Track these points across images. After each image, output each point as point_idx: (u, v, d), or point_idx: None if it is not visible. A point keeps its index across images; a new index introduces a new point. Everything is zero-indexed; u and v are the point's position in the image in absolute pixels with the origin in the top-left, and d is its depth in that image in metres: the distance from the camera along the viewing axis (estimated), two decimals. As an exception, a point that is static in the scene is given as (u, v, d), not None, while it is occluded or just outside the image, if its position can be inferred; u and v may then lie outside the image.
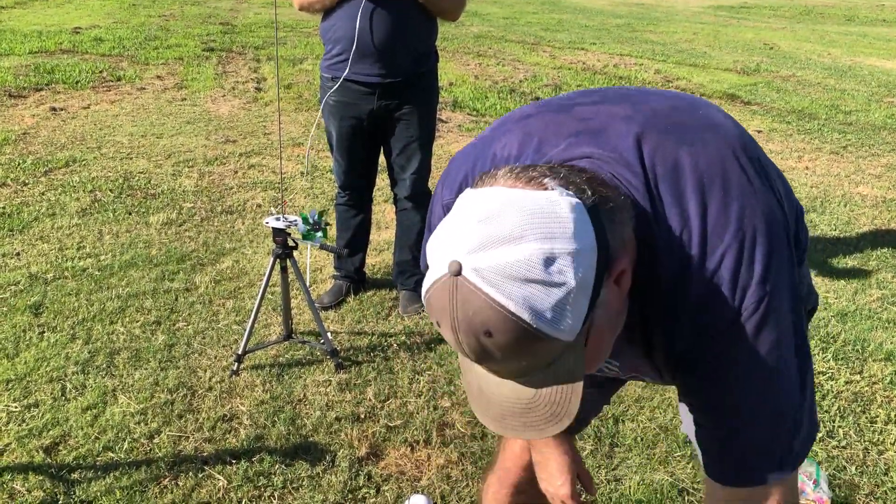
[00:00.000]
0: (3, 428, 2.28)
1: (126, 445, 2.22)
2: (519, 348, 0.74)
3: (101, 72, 7.18)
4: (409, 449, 2.26)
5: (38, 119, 5.61)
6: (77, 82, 6.72)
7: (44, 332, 2.81)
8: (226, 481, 2.10)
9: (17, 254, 3.43)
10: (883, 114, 6.86)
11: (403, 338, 2.86)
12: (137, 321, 2.90)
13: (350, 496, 2.07)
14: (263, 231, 3.74)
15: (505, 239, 0.73)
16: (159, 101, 6.33)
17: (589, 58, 9.38)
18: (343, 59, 2.72)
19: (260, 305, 2.59)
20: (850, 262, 3.68)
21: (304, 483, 2.10)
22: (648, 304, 0.90)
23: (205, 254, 3.50)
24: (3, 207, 3.93)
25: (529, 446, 1.34)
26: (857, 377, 2.71)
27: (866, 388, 2.64)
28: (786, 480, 0.94)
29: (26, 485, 2.05)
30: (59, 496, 2.02)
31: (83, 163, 4.69)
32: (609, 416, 2.41)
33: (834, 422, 2.45)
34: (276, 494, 2.06)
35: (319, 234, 2.48)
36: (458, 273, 0.73)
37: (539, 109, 1.02)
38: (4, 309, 2.95)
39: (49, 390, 2.46)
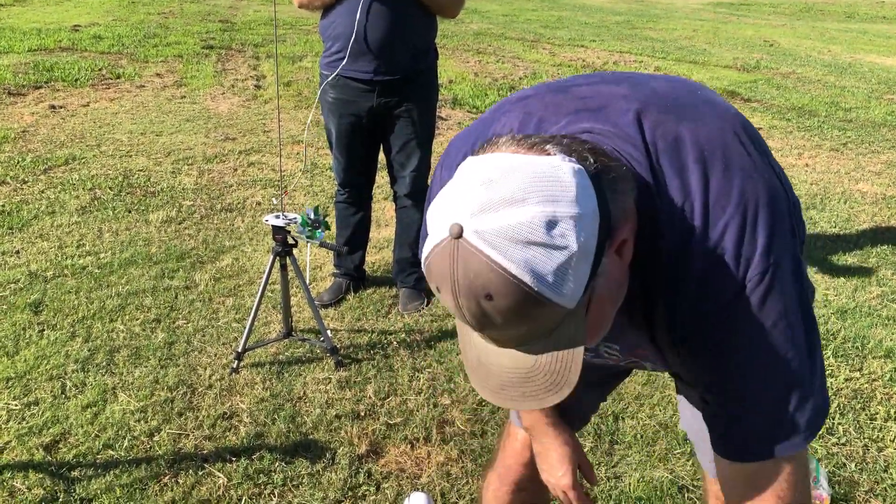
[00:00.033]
0: (3, 426, 2.28)
1: (126, 443, 2.22)
2: (519, 313, 0.73)
3: (100, 69, 7.17)
4: (409, 446, 2.27)
5: (38, 117, 5.60)
6: (76, 80, 6.72)
7: (44, 329, 2.81)
8: (226, 479, 2.10)
9: (17, 252, 3.43)
10: (883, 111, 6.85)
11: (403, 335, 2.87)
12: (137, 319, 2.90)
13: (350, 494, 2.07)
14: (263, 229, 3.74)
15: (507, 201, 0.72)
16: (159, 98, 6.32)
17: (588, 55, 9.37)
18: (342, 56, 2.71)
19: (260, 303, 2.59)
20: (849, 259, 3.68)
21: (304, 480, 2.11)
22: (650, 277, 0.89)
23: (204, 251, 3.50)
24: (3, 205, 3.92)
25: (530, 438, 1.33)
26: (857, 374, 2.71)
27: (866, 386, 2.64)
28: (795, 456, 0.93)
29: (26, 483, 2.06)
30: (59, 494, 2.02)
31: (83, 161, 4.68)
32: (609, 413, 2.41)
33: (834, 419, 2.45)
34: (276, 492, 2.06)
35: (319, 231, 2.48)
36: (460, 236, 0.73)
37: (538, 91, 1.03)
38: (4, 307, 2.95)
39: (49, 388, 2.46)
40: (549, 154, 0.78)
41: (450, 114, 6.20)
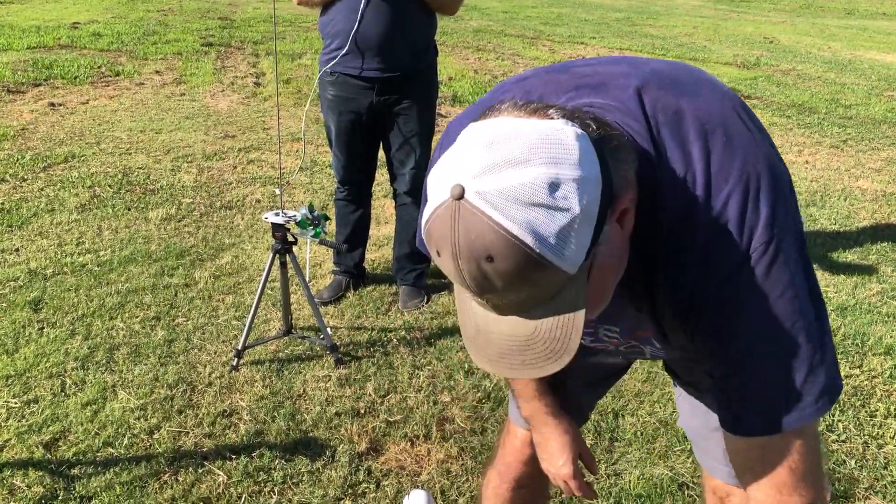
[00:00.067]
0: (3, 424, 2.28)
1: (126, 441, 2.22)
2: (520, 276, 0.72)
3: (99, 67, 7.16)
4: (408, 444, 2.26)
5: (37, 114, 5.60)
6: (76, 77, 6.71)
7: (43, 327, 2.81)
8: (226, 476, 2.10)
9: (17, 249, 3.42)
10: (883, 108, 6.85)
11: (403, 333, 2.86)
12: (137, 317, 2.90)
13: (350, 491, 2.07)
14: (263, 226, 3.74)
15: (509, 163, 0.72)
16: (158, 96, 6.32)
17: (588, 52, 9.36)
18: (342, 53, 2.71)
19: (259, 301, 2.59)
20: (849, 256, 3.68)
21: (303, 478, 2.11)
22: (651, 249, 0.88)
23: (204, 249, 3.49)
24: (2, 203, 3.92)
25: (530, 427, 1.32)
26: (857, 371, 2.71)
27: (866, 383, 2.64)
28: (804, 431, 0.91)
29: (26, 480, 2.06)
30: (58, 492, 2.02)
31: (82, 158, 4.68)
32: (609, 410, 2.41)
33: (833, 416, 2.45)
34: (275, 489, 2.06)
35: (319, 229, 2.48)
36: (461, 197, 0.72)
37: (537, 72, 1.03)
38: (4, 305, 2.95)
39: (49, 386, 2.46)
40: (552, 118, 0.77)
41: (450, 111, 6.19)
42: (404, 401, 2.46)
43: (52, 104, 5.85)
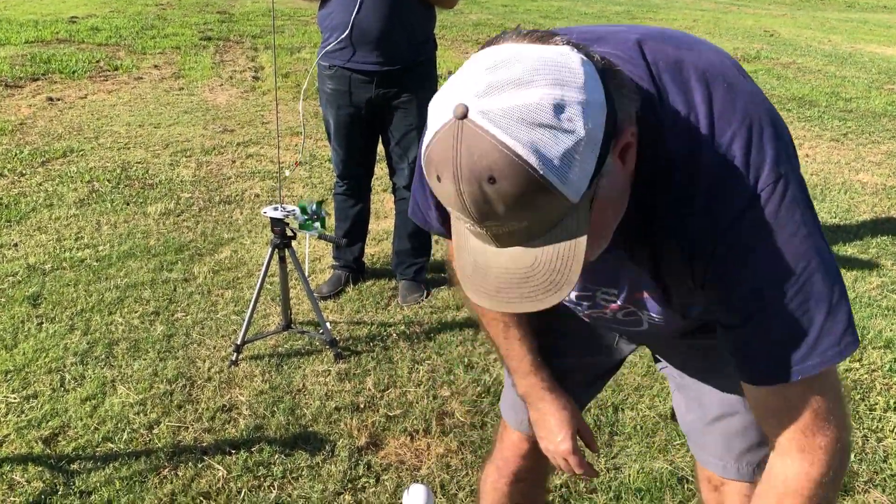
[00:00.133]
0: (3, 419, 2.28)
1: (125, 436, 2.22)
2: (522, 199, 0.71)
3: (97, 61, 7.14)
4: (408, 438, 2.26)
5: (35, 109, 5.59)
6: (74, 72, 6.69)
7: (42, 322, 2.80)
8: (225, 471, 2.10)
9: (15, 244, 3.42)
10: (883, 101, 6.83)
11: (403, 327, 2.86)
12: (136, 312, 2.89)
13: (350, 486, 2.07)
14: (262, 221, 3.73)
15: (514, 83, 0.70)
16: (156, 90, 6.30)
17: (588, 45, 9.33)
18: (340, 47, 2.70)
19: (259, 295, 2.59)
20: (849, 249, 3.67)
21: (303, 473, 2.11)
22: (652, 199, 0.86)
23: (203, 244, 3.49)
24: (1, 198, 3.91)
25: (527, 406, 1.29)
26: (857, 364, 2.70)
27: (865, 376, 2.64)
28: (825, 380, 0.89)
29: (26, 476, 2.05)
30: (58, 487, 2.02)
31: (80, 153, 4.67)
32: (608, 404, 2.41)
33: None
34: (275, 484, 2.06)
35: (318, 223, 2.47)
36: (464, 116, 0.70)
37: None
38: (3, 300, 2.94)
39: (48, 381, 2.46)
40: (556, 44, 0.76)
41: (449, 105, 6.17)
42: (404, 395, 2.46)
43: (51, 99, 5.84)
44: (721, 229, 0.85)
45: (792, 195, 0.84)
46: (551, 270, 0.76)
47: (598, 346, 1.35)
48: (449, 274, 1.46)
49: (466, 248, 0.81)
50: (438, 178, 0.74)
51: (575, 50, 0.75)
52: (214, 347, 2.68)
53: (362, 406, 2.40)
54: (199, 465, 2.12)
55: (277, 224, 2.50)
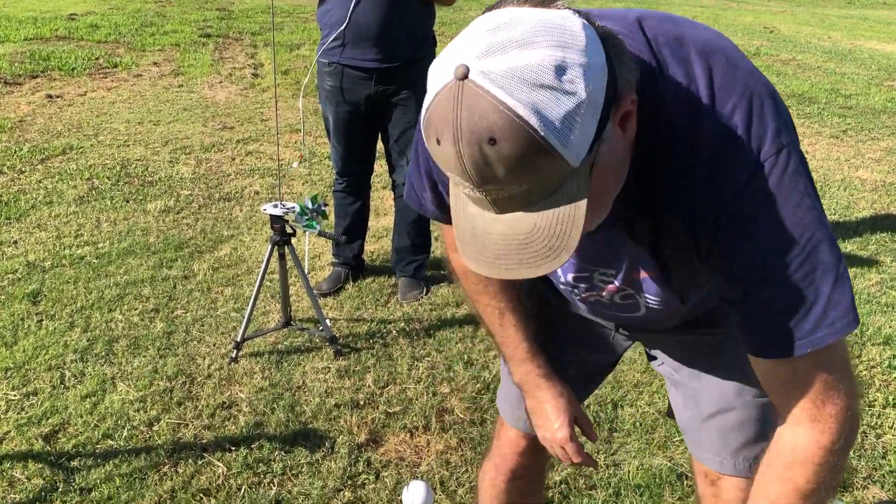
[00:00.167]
0: (3, 416, 2.28)
1: (125, 433, 2.22)
2: (523, 161, 0.70)
3: (97, 59, 7.14)
4: (408, 435, 2.27)
5: (34, 106, 5.58)
6: (73, 69, 6.68)
7: (42, 320, 2.80)
8: (225, 468, 2.10)
9: (15, 242, 3.42)
10: (883, 97, 6.83)
11: (402, 324, 2.86)
12: (136, 309, 2.90)
13: (349, 482, 2.07)
14: (261, 218, 3.73)
15: (516, 43, 0.70)
16: (156, 87, 6.30)
17: (588, 42, 9.32)
18: (340, 44, 2.70)
19: (258, 292, 2.59)
20: (849, 246, 3.67)
21: (303, 469, 2.11)
22: (653, 172, 0.86)
23: (203, 241, 3.49)
24: (0, 195, 3.91)
25: (523, 394, 1.28)
26: (856, 361, 2.71)
27: (865, 373, 2.64)
28: (834, 350, 0.88)
29: (26, 472, 2.06)
30: (58, 484, 2.02)
31: (80, 150, 4.67)
32: (608, 401, 2.41)
33: (832, 406, 2.45)
34: (275, 481, 2.07)
35: (318, 218, 2.48)
36: (465, 77, 0.70)
37: None
38: (2, 297, 2.95)
39: (48, 378, 2.46)
40: (558, 8, 0.76)
41: (448, 102, 6.17)
42: (404, 392, 2.47)
43: (50, 96, 5.83)
44: (723, 199, 0.84)
45: (794, 166, 0.84)
46: (550, 235, 0.76)
47: (595, 343, 1.35)
48: (448, 270, 1.46)
49: (465, 216, 0.81)
50: (438, 141, 0.73)
51: (576, 14, 0.75)
52: (214, 344, 2.68)
53: (362, 403, 2.41)
54: (199, 462, 2.12)
55: (277, 221, 2.51)
